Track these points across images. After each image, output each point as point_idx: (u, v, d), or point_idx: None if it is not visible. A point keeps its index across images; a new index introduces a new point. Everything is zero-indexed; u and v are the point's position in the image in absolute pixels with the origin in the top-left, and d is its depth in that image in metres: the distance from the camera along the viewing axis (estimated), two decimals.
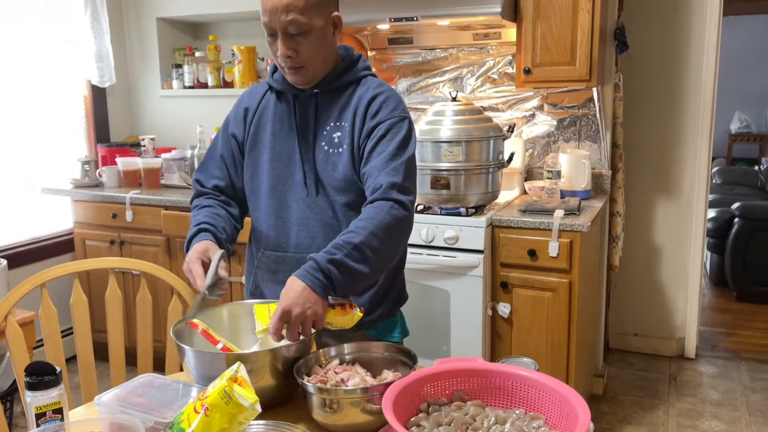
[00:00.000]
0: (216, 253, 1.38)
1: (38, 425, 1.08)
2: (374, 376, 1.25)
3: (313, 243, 1.48)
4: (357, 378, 1.20)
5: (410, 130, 1.46)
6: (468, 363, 1.19)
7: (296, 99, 1.51)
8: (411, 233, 1.45)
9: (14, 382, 2.53)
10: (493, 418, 1.10)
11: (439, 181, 2.51)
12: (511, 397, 1.16)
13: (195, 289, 1.36)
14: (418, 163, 2.51)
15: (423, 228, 2.50)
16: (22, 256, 3.18)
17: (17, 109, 3.25)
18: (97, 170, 3.38)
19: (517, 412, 1.12)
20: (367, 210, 1.37)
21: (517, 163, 2.85)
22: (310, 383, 1.16)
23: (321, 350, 1.29)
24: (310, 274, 1.25)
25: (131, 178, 3.31)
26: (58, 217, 3.41)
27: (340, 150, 1.47)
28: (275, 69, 1.55)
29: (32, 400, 1.08)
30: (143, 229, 3.12)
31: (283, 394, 1.26)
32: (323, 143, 1.48)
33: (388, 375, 1.24)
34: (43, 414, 1.08)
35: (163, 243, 3.08)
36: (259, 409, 1.00)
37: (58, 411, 1.09)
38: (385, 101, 1.46)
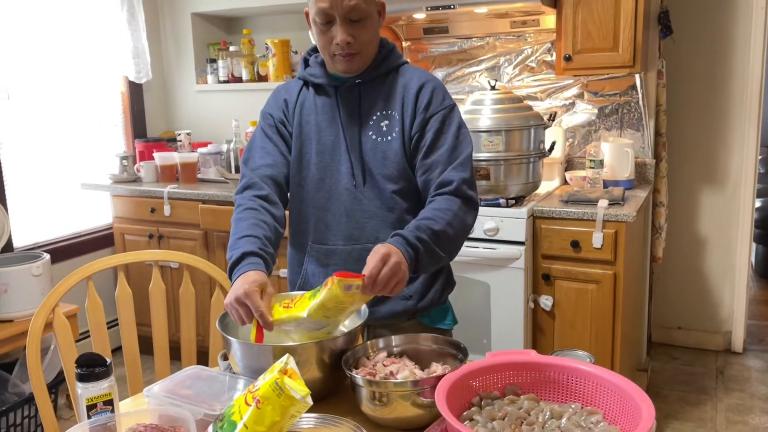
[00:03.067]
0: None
1: (89, 417, 1.07)
2: (422, 369, 1.22)
3: (362, 234, 1.46)
4: (406, 371, 1.18)
5: (461, 118, 1.49)
6: (521, 356, 1.16)
7: (337, 90, 1.49)
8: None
9: (58, 374, 2.57)
10: (548, 413, 1.07)
11: (478, 172, 2.47)
12: (567, 391, 1.12)
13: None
14: None
15: None
16: (64, 251, 3.23)
17: (58, 106, 3.30)
18: (135, 165, 3.42)
19: (573, 406, 1.08)
20: (440, 201, 1.38)
21: (557, 153, 2.79)
22: (359, 376, 1.13)
23: (368, 342, 1.27)
24: (400, 245, 1.26)
25: (168, 173, 3.34)
26: (98, 212, 3.46)
27: (390, 138, 1.45)
28: (306, 63, 1.53)
29: (83, 392, 1.08)
30: (181, 223, 3.15)
31: (330, 387, 1.24)
32: (370, 132, 1.47)
33: (437, 368, 1.21)
34: (94, 405, 1.08)
35: (200, 237, 3.10)
36: (310, 401, 0.98)
37: (109, 402, 1.09)
38: (434, 92, 1.46)
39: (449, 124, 1.45)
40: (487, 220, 2.44)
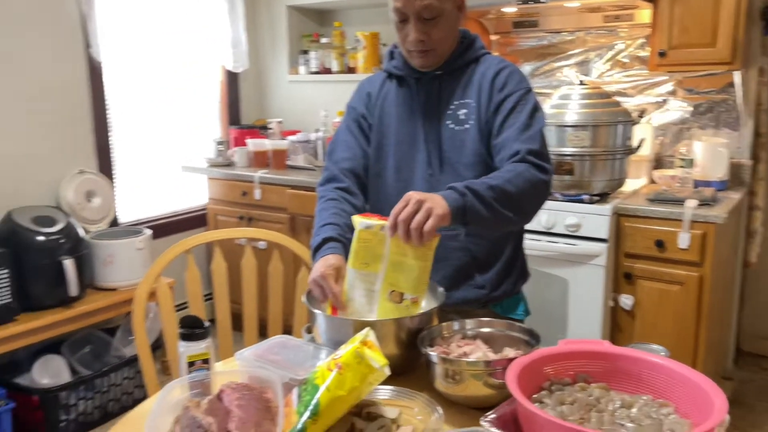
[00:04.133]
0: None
1: (189, 373, 1.19)
2: (495, 353, 1.26)
3: None
4: (480, 353, 1.22)
5: (537, 101, 1.49)
6: (594, 345, 1.18)
7: (418, 82, 1.54)
8: (545, 202, 1.44)
9: (156, 340, 2.78)
10: (618, 402, 1.09)
11: (562, 167, 2.46)
12: (639, 383, 1.13)
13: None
14: None
15: (543, 214, 2.46)
16: (164, 228, 3.46)
17: (163, 93, 3.53)
18: (230, 151, 3.61)
19: (644, 398, 1.10)
20: (505, 167, 1.38)
21: (645, 151, 2.72)
22: (433, 353, 1.19)
23: (444, 324, 1.32)
24: (445, 192, 1.27)
25: (260, 159, 3.51)
26: (195, 193, 3.68)
27: (467, 126, 1.49)
28: (391, 56, 1.59)
29: (185, 350, 1.19)
30: (270, 206, 3.30)
31: (406, 364, 1.30)
32: (448, 122, 1.51)
33: (509, 352, 1.25)
34: (193, 363, 1.19)
35: (287, 220, 3.25)
36: (387, 371, 1.04)
37: (206, 361, 1.20)
38: (510, 75, 1.48)
39: (523, 104, 1.45)
40: (569, 215, 2.43)
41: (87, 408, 2.64)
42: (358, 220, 1.29)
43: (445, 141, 1.51)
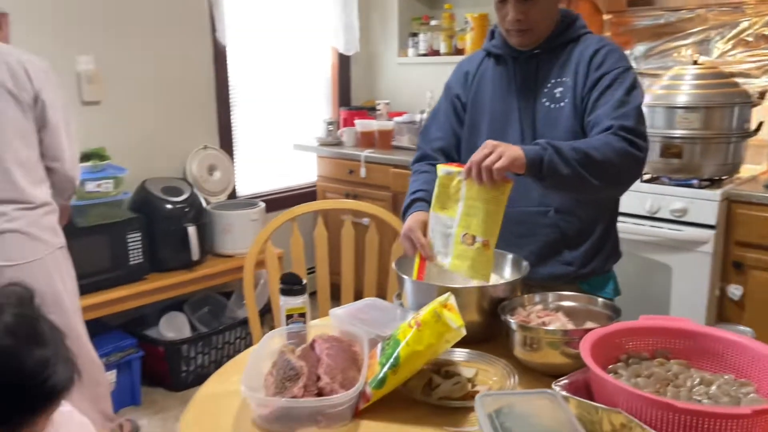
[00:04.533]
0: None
1: (287, 324, 1.32)
2: (576, 326, 1.29)
3: (527, 197, 1.54)
4: (559, 323, 1.26)
5: (636, 78, 1.47)
6: (675, 322, 1.17)
7: (516, 61, 1.57)
8: (635, 180, 1.44)
9: (265, 305, 2.99)
10: (698, 379, 1.08)
11: (670, 150, 2.37)
12: (721, 362, 1.12)
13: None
14: (648, 130, 2.42)
15: (647, 198, 2.39)
16: (276, 202, 3.69)
17: (277, 75, 3.74)
18: (339, 131, 3.77)
19: (726, 377, 1.09)
20: (596, 137, 1.39)
21: (766, 135, 2.56)
22: (513, 321, 1.24)
23: (526, 296, 1.37)
24: (525, 146, 1.32)
25: (367, 139, 3.64)
26: (305, 171, 3.88)
27: (562, 104, 1.50)
28: (492, 35, 1.63)
29: (284, 304, 1.32)
30: (374, 185, 3.43)
31: (488, 332, 1.35)
32: (544, 100, 1.53)
33: (589, 325, 1.27)
34: (291, 316, 1.32)
35: (389, 198, 3.36)
36: (463, 332, 1.11)
37: (302, 315, 1.32)
38: (609, 53, 1.48)
39: (620, 82, 1.44)
40: (675, 200, 2.35)
41: (204, 362, 2.90)
42: (441, 167, 1.38)
43: (540, 119, 1.54)
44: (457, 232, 1.36)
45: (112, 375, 2.63)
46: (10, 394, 0.79)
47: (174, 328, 2.97)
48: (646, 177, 2.50)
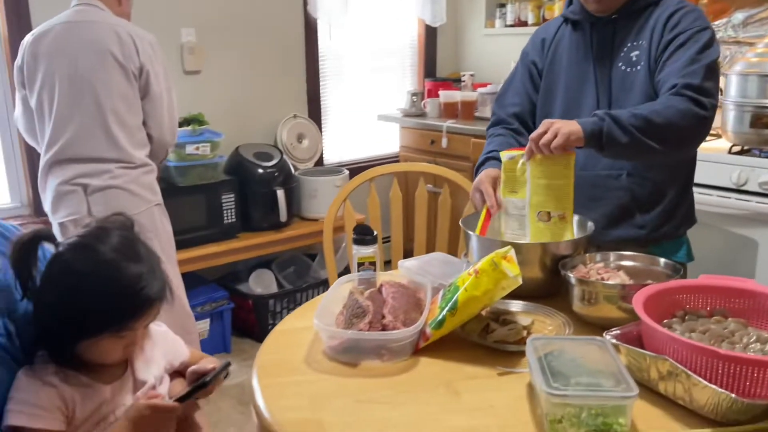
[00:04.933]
0: None
1: (358, 271, 1.43)
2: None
3: (599, 162, 1.56)
4: (618, 279, 1.29)
5: (712, 39, 1.44)
6: (737, 282, 1.18)
7: (593, 26, 1.58)
8: (702, 139, 1.44)
9: (345, 268, 3.14)
10: (754, 336, 1.09)
11: (761, 120, 2.28)
12: None
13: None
14: (738, 99, 2.33)
15: (735, 170, 2.31)
16: (359, 170, 3.80)
17: (365, 46, 3.85)
18: (422, 101, 3.83)
19: None
20: (660, 99, 1.40)
21: None
22: (572, 275, 1.29)
23: (588, 254, 1.40)
24: (590, 117, 1.36)
25: (450, 110, 3.68)
26: (389, 141, 3.98)
27: (638, 68, 1.51)
28: (570, 1, 1.64)
29: (356, 252, 1.43)
30: (454, 155, 3.48)
31: (549, 288, 1.40)
32: (620, 64, 1.54)
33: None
34: (362, 263, 1.43)
35: (469, 168, 3.40)
36: (519, 280, 1.17)
37: (372, 263, 1.43)
38: (686, 14, 1.47)
39: (694, 42, 1.42)
40: (764, 172, 2.26)
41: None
42: (503, 154, 1.44)
43: (615, 83, 1.55)
44: (531, 211, 1.43)
45: (205, 324, 2.87)
46: (113, 300, 0.96)
47: (262, 284, 3.18)
48: (735, 149, 2.41)
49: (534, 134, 1.35)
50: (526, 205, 1.42)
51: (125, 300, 0.96)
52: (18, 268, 0.97)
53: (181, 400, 1.01)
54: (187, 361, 1.17)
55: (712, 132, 1.56)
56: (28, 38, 2.11)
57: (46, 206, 2.16)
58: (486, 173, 1.53)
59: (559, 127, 1.32)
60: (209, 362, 1.12)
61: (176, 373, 1.16)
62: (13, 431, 0.93)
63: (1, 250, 1.02)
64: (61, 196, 2.09)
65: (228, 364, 1.07)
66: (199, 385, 1.02)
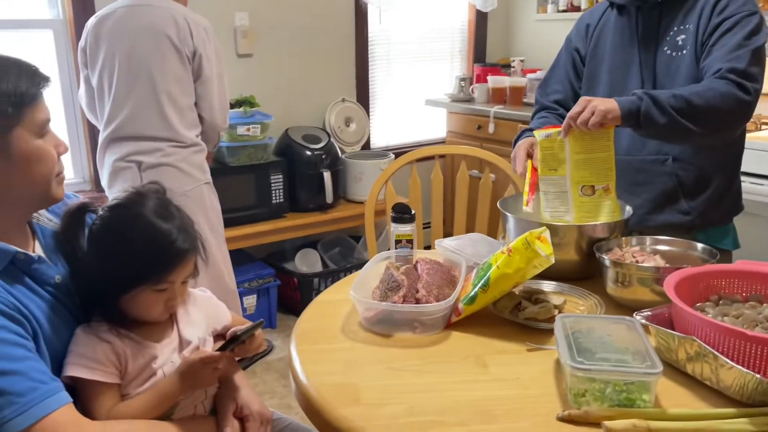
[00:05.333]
0: None
1: (396, 248, 1.47)
2: None
3: (644, 146, 1.55)
4: (653, 263, 1.29)
5: (761, 24, 1.42)
6: None
7: (639, 10, 1.56)
8: (742, 124, 1.43)
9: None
10: None
11: None
12: None
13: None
14: None
15: None
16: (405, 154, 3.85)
17: (412, 31, 3.86)
18: (471, 87, 3.83)
19: None
20: (703, 82, 1.39)
21: None
22: (606, 257, 1.29)
23: (624, 238, 1.40)
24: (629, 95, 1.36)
25: (498, 95, 3.67)
26: (436, 126, 4.00)
27: (684, 52, 1.49)
28: None
29: (394, 230, 1.47)
30: (500, 141, 3.47)
31: (584, 270, 1.41)
32: (666, 48, 1.52)
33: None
34: (400, 241, 1.47)
35: None
36: (552, 260, 1.19)
37: (410, 241, 1.47)
38: None
39: (742, 26, 1.40)
40: None
41: None
42: (538, 133, 1.45)
43: (660, 67, 1.53)
44: (573, 188, 1.44)
45: (252, 299, 2.98)
46: (147, 254, 1.05)
47: (308, 263, 3.26)
48: None
49: (571, 112, 1.35)
50: (567, 181, 1.43)
51: (158, 253, 1.05)
52: (66, 234, 1.08)
53: (219, 350, 1.08)
54: (229, 324, 1.24)
55: (763, 120, 1.53)
56: (91, 21, 2.22)
57: (104, 181, 2.28)
58: (524, 141, 1.56)
59: (596, 105, 1.32)
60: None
61: (219, 337, 1.24)
62: (72, 381, 1.01)
63: None
64: (117, 172, 2.21)
65: (261, 322, 1.13)
66: (234, 338, 1.09)
